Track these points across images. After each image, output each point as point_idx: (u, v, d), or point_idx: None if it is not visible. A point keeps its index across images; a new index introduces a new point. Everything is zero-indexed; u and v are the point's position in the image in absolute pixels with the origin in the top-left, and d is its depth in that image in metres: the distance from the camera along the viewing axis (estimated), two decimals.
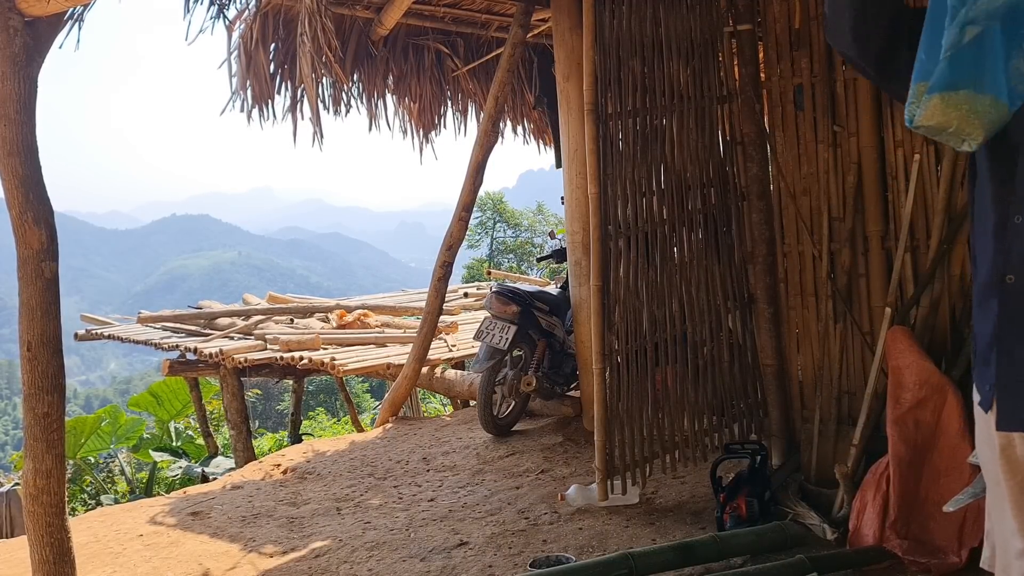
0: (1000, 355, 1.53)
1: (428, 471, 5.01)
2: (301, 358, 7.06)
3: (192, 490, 5.02)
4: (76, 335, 9.28)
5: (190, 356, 8.05)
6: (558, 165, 5.88)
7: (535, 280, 11.75)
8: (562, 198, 5.53)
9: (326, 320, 8.95)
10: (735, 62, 4.31)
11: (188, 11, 4.28)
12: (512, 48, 5.83)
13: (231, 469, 7.65)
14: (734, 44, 4.28)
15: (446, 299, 6.84)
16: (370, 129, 6.75)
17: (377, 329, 8.55)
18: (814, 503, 3.67)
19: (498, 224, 30.97)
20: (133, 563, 3.84)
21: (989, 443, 1.61)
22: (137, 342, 8.75)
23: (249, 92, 5.71)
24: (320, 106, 5.56)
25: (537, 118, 7.49)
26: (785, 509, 3.66)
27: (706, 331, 4.17)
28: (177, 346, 8.11)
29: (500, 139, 6.81)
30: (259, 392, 16.37)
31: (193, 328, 8.76)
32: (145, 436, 10.87)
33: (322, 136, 5.13)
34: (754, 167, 4.24)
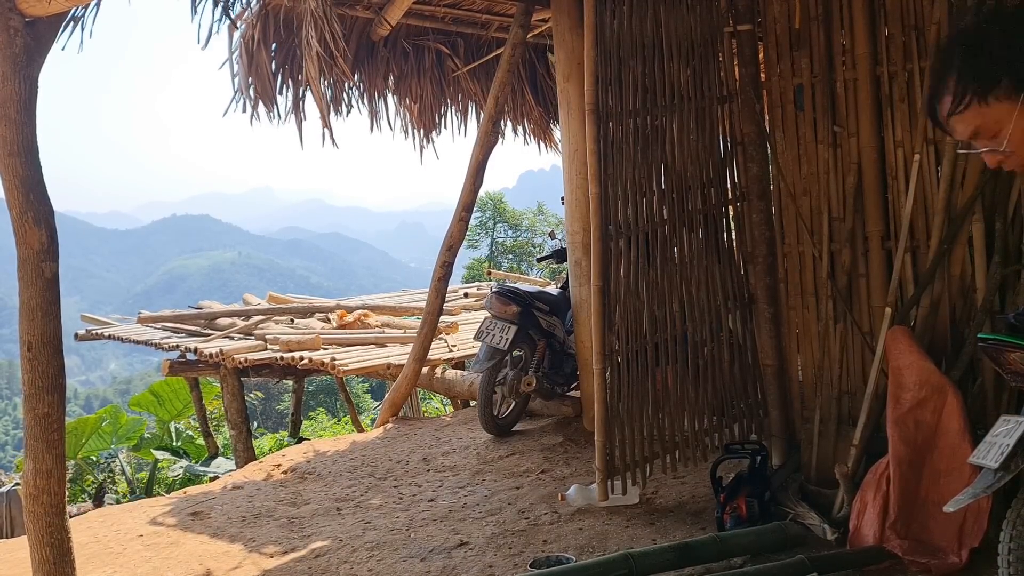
0: None
1: (428, 471, 5.01)
2: (301, 358, 7.06)
3: (192, 490, 5.02)
4: (76, 335, 9.28)
5: (190, 356, 8.06)
6: None
7: (535, 280, 11.75)
8: (562, 198, 5.53)
9: (326, 320, 8.95)
10: (735, 62, 4.31)
11: (196, 13, 4.27)
12: (512, 48, 5.83)
13: (231, 469, 7.65)
14: (734, 44, 4.28)
15: (446, 299, 6.84)
16: (371, 129, 6.76)
17: (377, 329, 8.56)
18: (814, 503, 3.67)
19: (498, 224, 30.99)
20: (133, 563, 3.84)
21: None
22: (137, 342, 8.76)
23: (251, 92, 5.72)
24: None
25: (537, 117, 7.49)
26: (785, 509, 3.66)
27: (706, 331, 4.17)
28: (177, 346, 8.12)
29: (500, 139, 6.82)
30: (260, 394, 16.35)
31: (193, 328, 8.76)
32: (145, 436, 10.87)
33: (332, 136, 5.15)
34: (754, 167, 4.24)
